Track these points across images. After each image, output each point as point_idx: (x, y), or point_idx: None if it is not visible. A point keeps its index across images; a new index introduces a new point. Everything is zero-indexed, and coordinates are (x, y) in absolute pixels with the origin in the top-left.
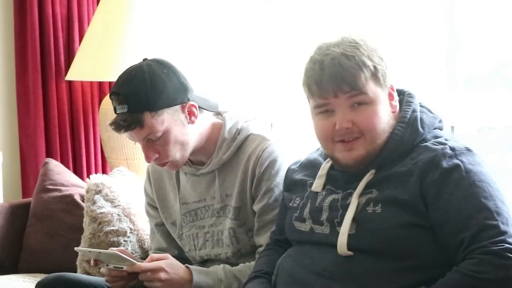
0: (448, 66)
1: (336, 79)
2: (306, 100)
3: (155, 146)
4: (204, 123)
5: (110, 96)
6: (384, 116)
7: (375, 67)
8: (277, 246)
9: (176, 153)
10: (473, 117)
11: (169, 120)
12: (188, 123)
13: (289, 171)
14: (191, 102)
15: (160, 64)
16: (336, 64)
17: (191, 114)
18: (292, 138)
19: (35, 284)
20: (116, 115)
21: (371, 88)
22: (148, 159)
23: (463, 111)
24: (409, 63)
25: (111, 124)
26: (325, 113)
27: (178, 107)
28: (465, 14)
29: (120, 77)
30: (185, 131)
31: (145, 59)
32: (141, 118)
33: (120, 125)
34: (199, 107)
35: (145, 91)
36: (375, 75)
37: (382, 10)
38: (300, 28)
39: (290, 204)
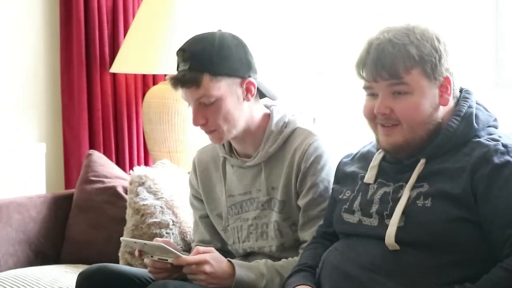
0: (496, 66)
1: (376, 65)
2: (348, 95)
3: (206, 111)
4: (258, 108)
5: (176, 52)
6: (426, 109)
7: (421, 57)
8: (324, 240)
9: (224, 125)
10: None
11: (225, 89)
12: (244, 99)
13: (341, 163)
14: (251, 79)
15: (234, 37)
16: (380, 50)
17: (248, 91)
18: (334, 133)
19: (77, 275)
20: (177, 72)
21: (415, 78)
22: (195, 122)
23: (508, 111)
24: (455, 62)
25: (169, 79)
26: (371, 95)
27: (237, 79)
28: None
29: (191, 37)
30: (238, 106)
31: (219, 30)
32: (199, 78)
33: (177, 79)
34: (258, 90)
35: (210, 53)
36: (421, 66)
37: (429, 8)
38: (344, 22)
39: (340, 197)
